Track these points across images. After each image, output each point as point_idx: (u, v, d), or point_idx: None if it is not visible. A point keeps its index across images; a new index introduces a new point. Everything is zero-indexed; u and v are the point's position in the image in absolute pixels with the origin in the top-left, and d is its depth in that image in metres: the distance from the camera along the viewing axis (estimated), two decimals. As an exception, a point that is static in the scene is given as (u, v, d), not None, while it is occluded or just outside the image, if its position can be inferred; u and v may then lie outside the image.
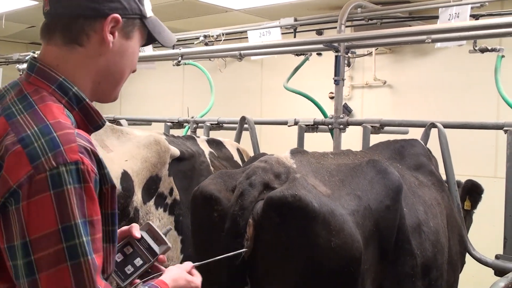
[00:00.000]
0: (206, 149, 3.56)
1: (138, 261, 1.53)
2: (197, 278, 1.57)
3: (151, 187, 2.96)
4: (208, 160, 3.43)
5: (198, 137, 3.82)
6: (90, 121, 1.39)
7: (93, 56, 1.37)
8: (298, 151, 2.42)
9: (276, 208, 1.93)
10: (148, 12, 1.48)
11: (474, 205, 3.57)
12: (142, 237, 1.57)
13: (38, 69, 1.35)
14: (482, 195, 3.57)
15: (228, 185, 2.19)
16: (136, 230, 1.57)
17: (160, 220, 3.00)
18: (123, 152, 2.87)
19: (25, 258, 1.15)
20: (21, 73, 7.13)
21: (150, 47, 6.02)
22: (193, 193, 2.23)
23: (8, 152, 1.19)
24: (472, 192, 3.55)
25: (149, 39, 1.52)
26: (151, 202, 3.02)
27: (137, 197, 2.84)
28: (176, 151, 3.13)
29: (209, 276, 2.27)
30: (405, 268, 2.24)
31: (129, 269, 1.52)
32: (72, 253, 1.16)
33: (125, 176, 2.78)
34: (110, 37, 1.36)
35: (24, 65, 7.17)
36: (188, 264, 1.58)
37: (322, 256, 1.94)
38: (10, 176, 1.17)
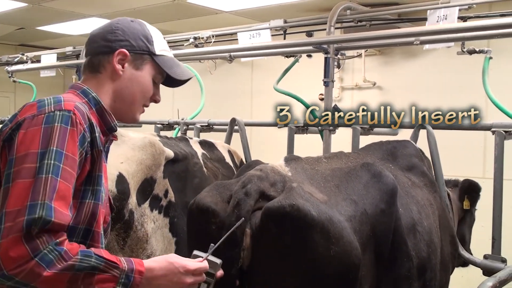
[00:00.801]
0: (199, 150, 3.56)
1: (202, 286, 1.67)
2: (190, 262, 1.63)
3: (146, 189, 2.95)
4: (201, 162, 3.43)
5: (191, 138, 3.82)
6: (105, 122, 1.73)
7: (108, 80, 1.77)
8: (292, 158, 2.41)
9: (274, 219, 1.93)
10: (160, 51, 1.82)
11: (473, 204, 3.59)
12: None
13: (71, 85, 1.77)
14: (480, 193, 3.59)
15: (224, 196, 2.16)
16: None
17: (155, 222, 2.99)
18: (118, 155, 2.85)
19: (8, 170, 1.43)
20: (10, 75, 7.08)
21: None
22: (189, 207, 2.22)
23: (25, 105, 1.56)
24: (470, 191, 3.58)
25: (168, 77, 1.86)
26: (146, 204, 3.00)
27: (132, 199, 2.83)
28: (170, 153, 3.13)
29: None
30: (402, 270, 2.24)
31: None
32: (40, 170, 1.40)
33: (121, 178, 2.76)
34: (119, 66, 1.75)
35: (14, 67, 7.12)
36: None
37: (322, 264, 1.93)
38: (20, 116, 1.52)
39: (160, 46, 1.84)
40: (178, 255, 1.65)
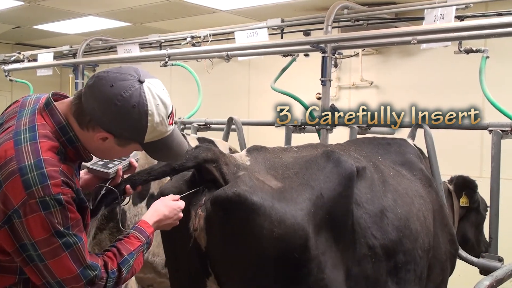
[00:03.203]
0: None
1: (115, 162, 2.09)
2: (181, 203, 2.11)
3: (143, 188, 2.97)
4: None
5: (188, 135, 3.82)
6: (79, 157, 1.85)
7: (87, 139, 1.81)
8: (255, 148, 2.54)
9: (220, 205, 2.14)
10: (151, 139, 1.81)
11: (472, 201, 3.60)
12: None
13: (51, 109, 1.80)
14: (476, 188, 3.60)
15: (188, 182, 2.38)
16: None
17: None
18: None
19: (35, 251, 1.67)
20: (6, 74, 7.06)
21: (137, 47, 6.02)
22: (156, 195, 2.41)
23: (10, 178, 1.65)
24: (465, 187, 3.58)
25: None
26: (143, 203, 3.05)
27: (126, 199, 2.86)
28: None
29: (176, 272, 2.46)
30: (363, 249, 2.36)
31: (110, 166, 2.07)
32: (66, 244, 1.69)
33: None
34: (99, 141, 1.80)
35: (10, 66, 7.10)
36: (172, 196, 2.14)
37: (267, 245, 2.12)
38: (12, 197, 1.65)
39: (154, 132, 1.79)
40: (162, 199, 2.10)
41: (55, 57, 6.94)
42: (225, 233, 2.18)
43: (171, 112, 1.83)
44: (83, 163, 1.99)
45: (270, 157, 2.47)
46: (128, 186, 2.11)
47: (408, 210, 2.60)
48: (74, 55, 6.77)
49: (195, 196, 2.26)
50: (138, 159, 2.19)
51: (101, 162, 2.07)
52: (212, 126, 4.74)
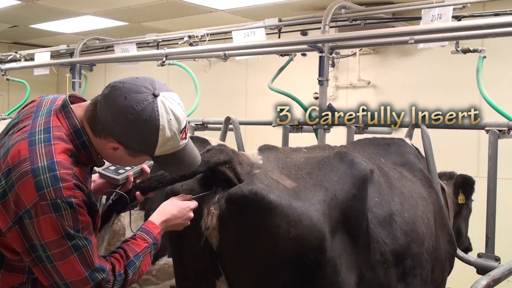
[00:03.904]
0: None
1: (127, 168, 2.09)
2: (191, 203, 2.08)
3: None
4: None
5: None
6: (91, 161, 1.87)
7: (100, 145, 1.83)
8: (267, 148, 2.50)
9: (236, 203, 2.08)
10: (161, 152, 1.80)
11: (468, 197, 3.62)
12: None
13: (67, 112, 1.82)
14: (474, 186, 3.62)
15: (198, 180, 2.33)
16: None
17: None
18: None
19: (45, 252, 1.69)
20: (3, 73, 7.05)
21: (134, 47, 6.01)
22: (165, 193, 2.37)
23: (23, 179, 1.66)
24: (464, 185, 3.60)
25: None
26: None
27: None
28: None
29: (183, 271, 2.41)
30: (376, 255, 2.32)
31: (120, 172, 2.07)
32: (75, 247, 1.70)
33: None
34: (111, 150, 1.82)
35: (7, 65, 7.08)
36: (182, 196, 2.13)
37: (282, 246, 2.07)
38: (24, 198, 1.66)
39: (164, 146, 1.78)
40: (174, 199, 2.08)
41: (52, 57, 6.92)
42: (239, 232, 2.12)
43: (185, 127, 1.82)
44: (95, 168, 1.99)
45: (282, 156, 2.42)
46: (138, 193, 2.11)
47: (414, 213, 2.57)
48: (71, 54, 6.76)
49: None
50: (151, 165, 2.16)
51: (112, 167, 2.07)
52: (210, 125, 4.73)
